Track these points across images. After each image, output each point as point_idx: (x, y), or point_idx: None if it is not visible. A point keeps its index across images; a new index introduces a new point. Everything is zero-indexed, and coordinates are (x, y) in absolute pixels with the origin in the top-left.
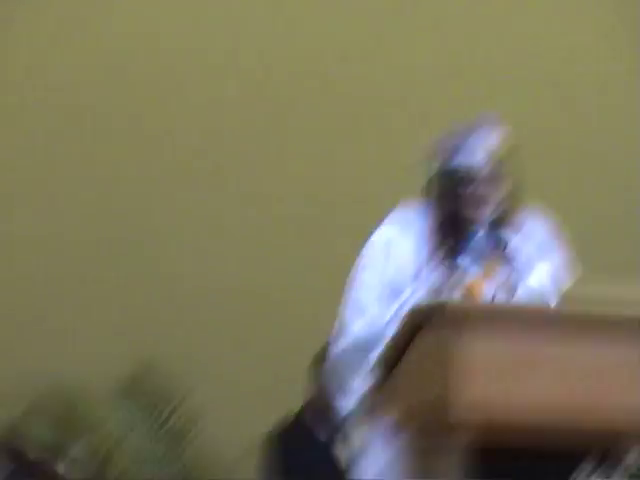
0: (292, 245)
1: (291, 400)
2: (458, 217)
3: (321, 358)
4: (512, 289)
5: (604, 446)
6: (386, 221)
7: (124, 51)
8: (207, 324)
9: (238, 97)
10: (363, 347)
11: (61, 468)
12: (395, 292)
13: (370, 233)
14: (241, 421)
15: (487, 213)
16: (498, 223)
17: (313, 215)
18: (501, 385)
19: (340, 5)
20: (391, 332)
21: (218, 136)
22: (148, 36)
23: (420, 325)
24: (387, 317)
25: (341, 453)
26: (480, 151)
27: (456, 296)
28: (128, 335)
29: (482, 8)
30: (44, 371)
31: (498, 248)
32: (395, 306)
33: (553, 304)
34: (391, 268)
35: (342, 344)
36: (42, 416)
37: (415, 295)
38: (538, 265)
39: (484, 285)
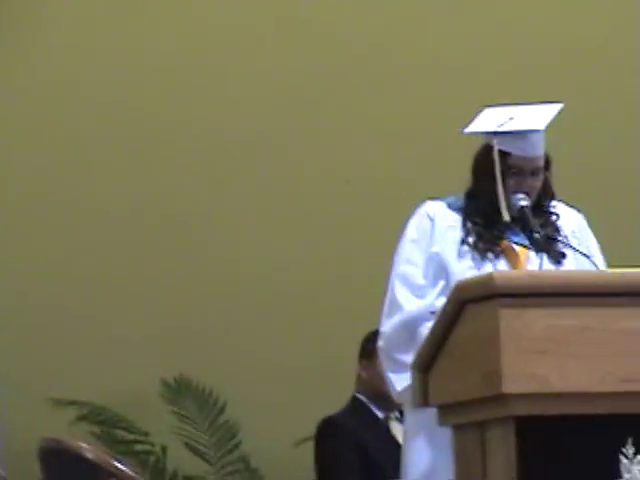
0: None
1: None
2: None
3: (372, 338)
4: (560, 258)
5: None
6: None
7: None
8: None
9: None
10: (413, 323)
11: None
12: (440, 265)
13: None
14: (279, 429)
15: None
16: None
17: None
18: (553, 354)
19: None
20: (439, 306)
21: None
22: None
23: (468, 299)
24: (435, 291)
25: (397, 431)
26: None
27: (501, 267)
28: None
29: None
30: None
31: (544, 221)
32: (442, 280)
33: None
34: (435, 241)
35: (392, 321)
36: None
37: (461, 267)
38: (582, 241)
39: (529, 255)
